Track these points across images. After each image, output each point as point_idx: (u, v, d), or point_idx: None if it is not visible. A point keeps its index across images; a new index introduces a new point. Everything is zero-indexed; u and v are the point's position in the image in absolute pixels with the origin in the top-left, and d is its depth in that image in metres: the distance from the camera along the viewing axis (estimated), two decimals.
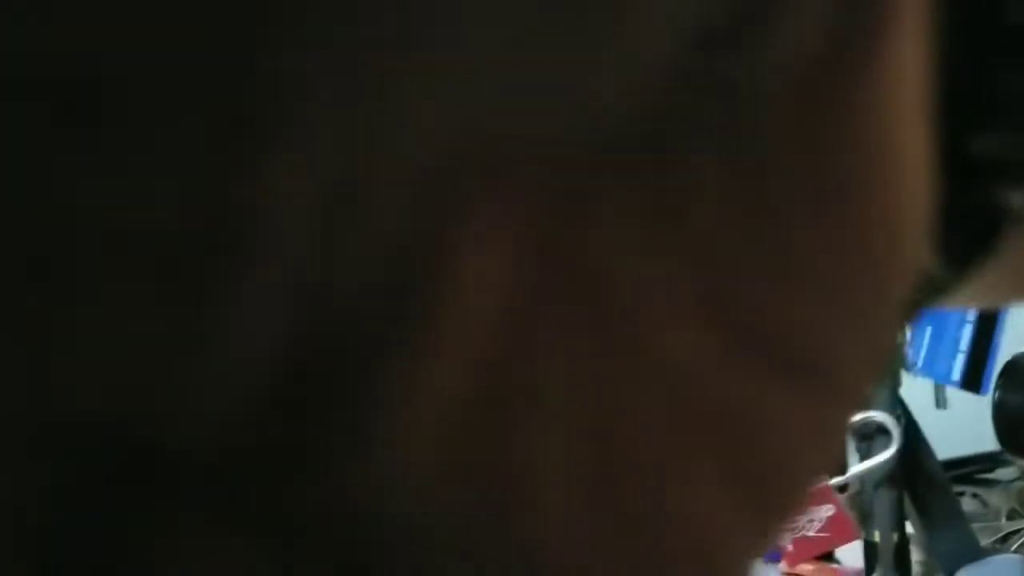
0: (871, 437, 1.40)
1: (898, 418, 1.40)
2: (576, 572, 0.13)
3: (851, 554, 1.47)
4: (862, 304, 0.15)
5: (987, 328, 1.49)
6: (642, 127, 0.12)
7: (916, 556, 1.43)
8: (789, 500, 0.15)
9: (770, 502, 0.15)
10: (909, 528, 1.41)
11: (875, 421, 1.39)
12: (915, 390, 1.54)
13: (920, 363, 1.49)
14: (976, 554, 1.39)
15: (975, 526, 1.55)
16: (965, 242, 0.20)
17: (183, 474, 0.11)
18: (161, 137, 0.10)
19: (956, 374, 1.48)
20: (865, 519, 1.39)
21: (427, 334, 0.12)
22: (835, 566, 1.51)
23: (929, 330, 1.50)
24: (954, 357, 1.48)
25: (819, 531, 1.34)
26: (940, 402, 1.65)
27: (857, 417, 1.39)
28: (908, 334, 1.49)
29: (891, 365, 1.51)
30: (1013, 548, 1.72)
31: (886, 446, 1.38)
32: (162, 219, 0.11)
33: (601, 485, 0.13)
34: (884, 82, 0.14)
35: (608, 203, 0.13)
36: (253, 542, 0.12)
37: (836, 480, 1.34)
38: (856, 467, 1.37)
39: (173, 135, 0.10)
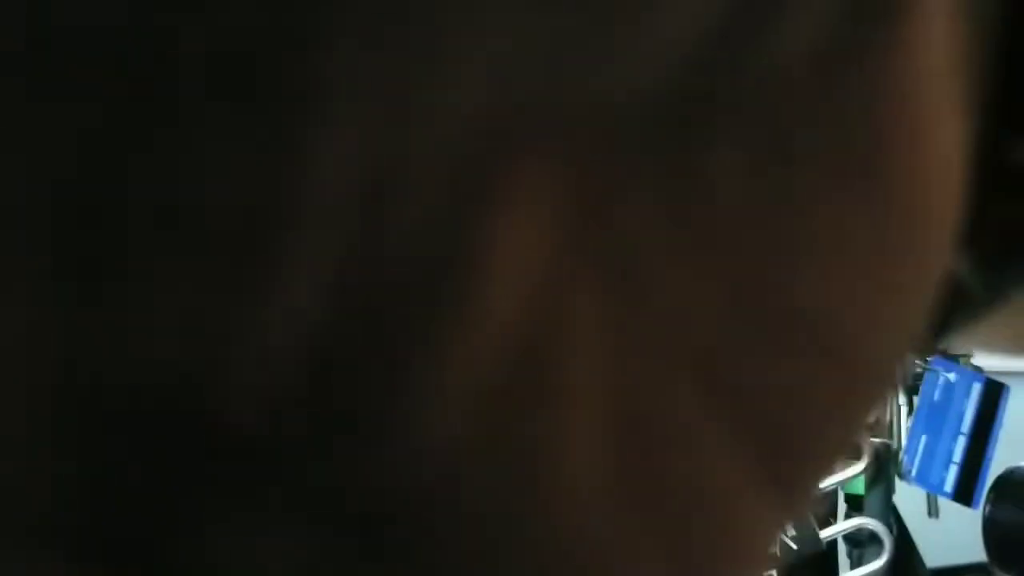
0: (863, 544, 1.39)
1: (890, 527, 1.40)
2: (602, 544, 0.13)
3: None
4: (886, 286, 0.15)
5: (980, 441, 1.49)
6: (669, 105, 0.13)
7: None
8: (809, 478, 0.15)
9: (792, 479, 0.15)
10: None
11: (867, 528, 1.39)
12: (908, 497, 1.53)
13: (914, 472, 1.48)
14: None
15: None
16: (1003, 259, 0.20)
17: (230, 448, 0.12)
18: (212, 115, 0.11)
19: (948, 486, 1.48)
20: None
21: (463, 307, 0.12)
22: None
23: (924, 439, 1.49)
24: (947, 468, 1.48)
25: None
26: (932, 511, 1.65)
27: (849, 524, 1.39)
28: (903, 442, 1.49)
29: (886, 472, 1.48)
30: None
31: (878, 555, 1.37)
32: (210, 193, 0.11)
33: (627, 459, 0.13)
34: (908, 64, 0.14)
35: (638, 179, 0.13)
36: (296, 515, 0.12)
37: None
38: (847, 575, 1.37)
39: (224, 114, 0.11)
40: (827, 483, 1.35)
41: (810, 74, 0.13)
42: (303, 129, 0.11)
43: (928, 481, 1.49)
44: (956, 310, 0.20)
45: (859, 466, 1.41)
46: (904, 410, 1.52)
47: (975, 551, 1.54)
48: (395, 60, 0.11)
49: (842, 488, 1.47)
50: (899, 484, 1.50)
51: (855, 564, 1.39)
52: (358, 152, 0.11)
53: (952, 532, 1.62)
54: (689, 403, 0.13)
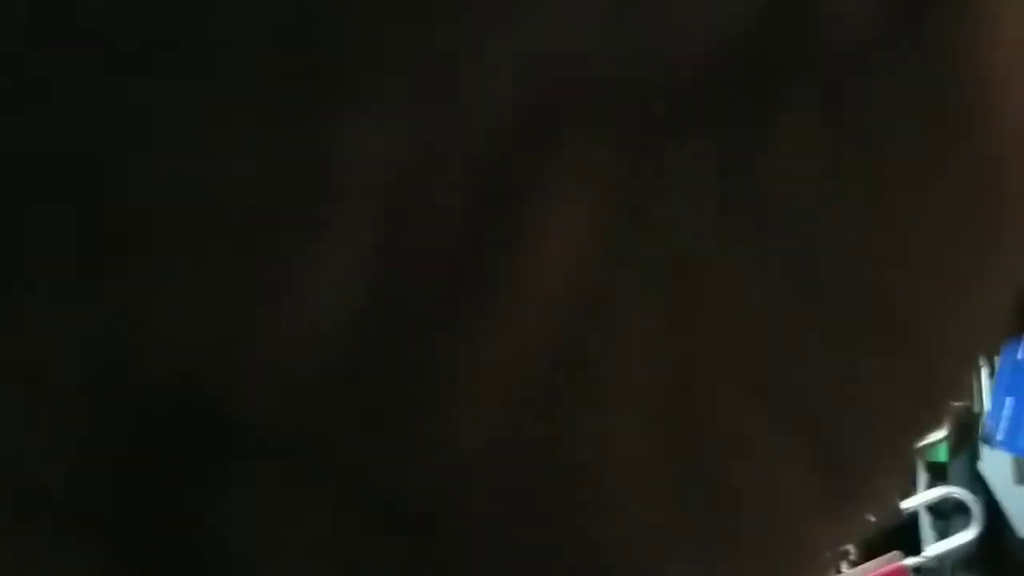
0: (948, 515, 1.36)
1: (978, 495, 1.36)
2: (651, 543, 0.13)
3: None
4: (962, 269, 0.14)
5: None
6: (724, 80, 0.12)
7: None
8: (870, 482, 0.15)
9: (851, 481, 0.14)
10: None
11: (953, 498, 1.35)
12: (993, 464, 1.48)
13: (1001, 436, 1.43)
14: None
15: None
16: None
17: (251, 442, 0.11)
18: (242, 93, 0.11)
19: None
20: None
21: (504, 292, 0.12)
22: None
23: (1010, 402, 1.44)
24: None
25: None
26: (1021, 478, 1.61)
27: (933, 493, 1.36)
28: (987, 406, 1.45)
29: (969, 438, 1.47)
30: None
31: (965, 525, 1.34)
32: (240, 176, 0.11)
33: (676, 457, 0.13)
34: (984, 20, 0.14)
35: (691, 160, 0.12)
36: (320, 511, 0.12)
37: (911, 561, 1.30)
38: (933, 547, 1.33)
39: (254, 92, 0.11)
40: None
41: (876, 46, 0.13)
42: (340, 108, 0.11)
43: (1017, 446, 1.44)
44: None
45: (939, 432, 1.37)
46: (985, 371, 1.46)
47: None
48: (438, 33, 0.11)
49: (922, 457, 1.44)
50: (983, 450, 1.45)
51: (940, 536, 1.35)
52: (398, 130, 0.11)
53: None
54: (740, 396, 0.13)
